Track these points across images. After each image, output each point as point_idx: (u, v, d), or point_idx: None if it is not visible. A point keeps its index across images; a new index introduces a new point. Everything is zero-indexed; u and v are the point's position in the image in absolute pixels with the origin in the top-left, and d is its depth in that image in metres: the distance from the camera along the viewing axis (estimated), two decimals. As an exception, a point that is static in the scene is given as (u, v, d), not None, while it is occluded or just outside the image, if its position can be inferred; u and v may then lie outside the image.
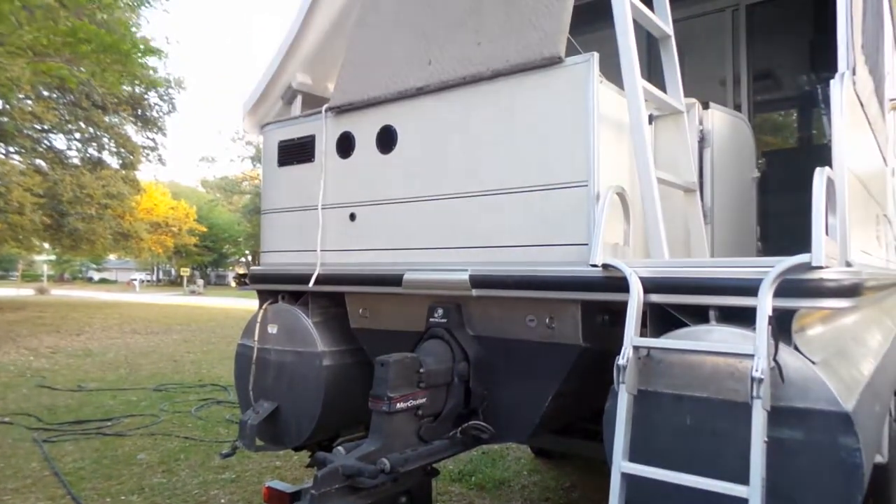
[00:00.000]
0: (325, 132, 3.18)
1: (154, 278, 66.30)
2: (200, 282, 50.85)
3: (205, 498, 4.71)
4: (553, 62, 2.40)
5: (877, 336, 2.93)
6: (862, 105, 2.59)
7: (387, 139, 2.94)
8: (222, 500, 4.66)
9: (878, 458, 3.63)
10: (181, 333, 16.38)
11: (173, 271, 60.85)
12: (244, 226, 48.57)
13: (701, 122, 3.16)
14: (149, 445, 6.08)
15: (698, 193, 2.86)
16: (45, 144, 19.19)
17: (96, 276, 73.09)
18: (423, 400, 2.46)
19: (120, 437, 6.33)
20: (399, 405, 2.35)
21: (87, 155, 20.24)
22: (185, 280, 49.94)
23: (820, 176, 1.86)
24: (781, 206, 4.07)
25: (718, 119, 3.26)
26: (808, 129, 6.54)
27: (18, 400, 8.02)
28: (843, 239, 2.01)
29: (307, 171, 3.26)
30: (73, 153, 20.18)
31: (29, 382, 9.31)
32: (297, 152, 3.35)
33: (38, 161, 18.96)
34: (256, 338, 3.26)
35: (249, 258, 52.63)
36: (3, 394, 8.43)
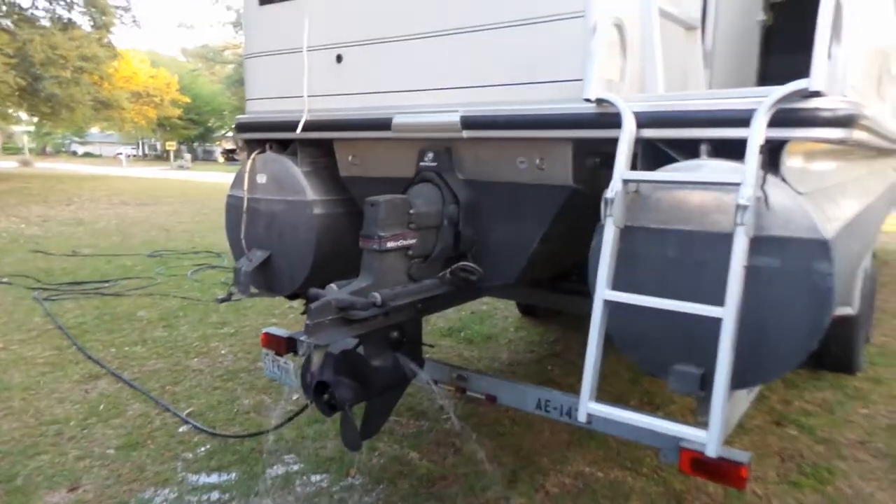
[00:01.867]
0: None
1: (140, 153, 64.97)
2: (188, 156, 49.94)
3: (206, 349, 4.93)
4: None
5: (862, 191, 2.95)
6: None
7: None
8: (223, 351, 4.89)
9: (848, 310, 3.79)
10: (172, 205, 16.35)
11: (159, 146, 59.42)
12: (228, 97, 46.78)
13: None
14: (147, 304, 6.26)
15: (700, 32, 2.73)
16: (8, 2, 17.91)
17: (80, 149, 71.42)
18: (413, 241, 2.48)
19: (119, 297, 6.51)
20: (389, 244, 2.38)
21: (57, 15, 19.00)
22: (171, 155, 48.93)
23: None
24: (786, 63, 3.92)
25: None
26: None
27: (14, 263, 8.13)
28: (844, 70, 1.95)
29: (290, 9, 3.06)
30: (40, 13, 18.93)
31: (23, 248, 9.39)
32: None
33: (4, 21, 17.79)
34: (246, 188, 3.24)
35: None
36: (-2, 258, 8.52)
